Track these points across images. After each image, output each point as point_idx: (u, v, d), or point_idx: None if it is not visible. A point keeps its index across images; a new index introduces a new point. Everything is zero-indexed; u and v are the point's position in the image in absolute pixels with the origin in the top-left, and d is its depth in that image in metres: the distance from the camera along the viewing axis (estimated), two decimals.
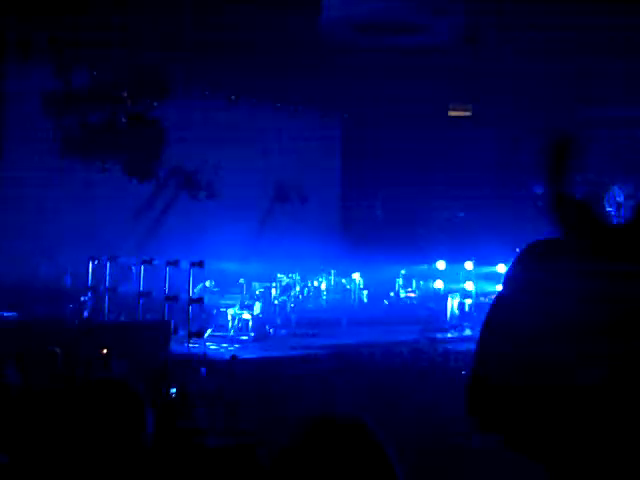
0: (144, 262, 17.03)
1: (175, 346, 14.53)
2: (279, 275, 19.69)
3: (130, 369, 12.40)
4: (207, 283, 16.51)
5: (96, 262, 17.00)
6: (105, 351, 12.95)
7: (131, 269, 17.19)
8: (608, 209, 23.89)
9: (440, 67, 19.87)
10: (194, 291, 16.03)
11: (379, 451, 2.08)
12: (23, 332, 13.00)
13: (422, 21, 18.18)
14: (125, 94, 20.26)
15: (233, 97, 21.56)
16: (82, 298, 16.76)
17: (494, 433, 1.71)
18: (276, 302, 18.60)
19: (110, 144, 19.93)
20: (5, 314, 15.83)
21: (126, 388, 2.46)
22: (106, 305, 16.44)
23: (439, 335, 18.29)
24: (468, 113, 24.02)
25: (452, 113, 24.18)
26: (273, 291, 18.79)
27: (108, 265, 16.99)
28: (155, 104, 20.56)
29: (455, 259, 21.64)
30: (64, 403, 2.44)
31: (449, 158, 22.92)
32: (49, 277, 18.45)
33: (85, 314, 16.15)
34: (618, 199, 23.81)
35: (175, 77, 19.87)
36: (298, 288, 19.92)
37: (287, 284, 19.66)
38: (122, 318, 16.38)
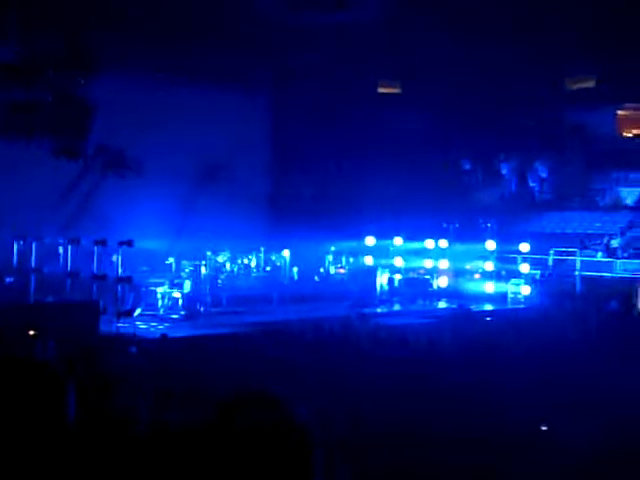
0: (71, 242, 16.79)
1: (104, 326, 14.41)
2: (208, 253, 19.60)
3: (58, 350, 12.28)
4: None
5: (21, 242, 16.70)
6: (32, 332, 12.78)
7: (57, 249, 16.91)
8: (532, 184, 24.46)
9: (369, 43, 19.94)
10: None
11: (295, 429, 2.12)
12: None
13: None
14: (51, 72, 19.83)
15: (161, 75, 21.29)
16: (7, 279, 16.46)
17: None
18: (206, 280, 18.53)
19: (36, 123, 19.52)
20: None
21: (45, 368, 2.47)
22: (32, 286, 16.18)
23: (369, 310, 18.54)
24: (397, 90, 24.16)
25: (381, 90, 24.30)
26: (203, 269, 18.71)
27: (34, 245, 16.71)
28: (82, 81, 20.17)
29: (384, 235, 21.88)
30: None
31: (379, 135, 23.11)
32: None
33: (10, 295, 15.84)
34: (541, 175, 24.39)
35: (103, 55, 19.51)
36: (228, 266, 19.87)
37: (216, 262, 19.60)
38: (49, 299, 16.13)
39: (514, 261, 21.19)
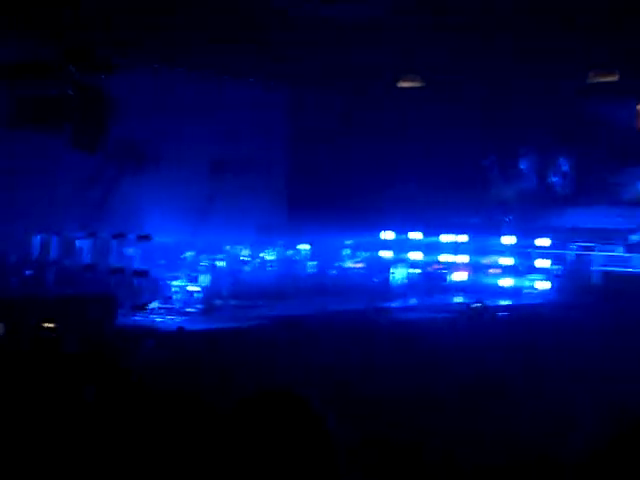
0: (90, 235, 16.93)
1: (121, 319, 14.52)
2: (227, 247, 19.70)
3: (79, 343, 12.40)
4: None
5: (40, 236, 16.85)
6: (51, 325, 12.92)
7: (75, 243, 17.06)
8: (554, 179, 24.31)
9: (388, 38, 19.85)
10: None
11: (316, 426, 2.13)
12: None
13: None
14: (72, 67, 19.95)
15: (180, 69, 21.38)
16: (26, 272, 16.62)
17: None
18: (223, 274, 18.61)
19: (56, 117, 19.65)
20: None
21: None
22: (51, 279, 16.34)
23: (385, 305, 18.54)
24: (418, 84, 24.06)
25: (402, 84, 24.21)
26: (220, 263, 18.79)
27: (53, 239, 16.87)
28: (102, 76, 20.28)
29: (402, 229, 21.87)
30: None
31: (398, 129, 23.05)
32: None
33: (28, 287, 16.01)
34: (564, 169, 24.23)
35: (122, 50, 19.60)
36: (245, 259, 19.95)
37: (234, 256, 19.68)
38: (67, 292, 16.28)
39: (533, 256, 21.11)
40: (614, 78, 21.23)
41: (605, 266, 20.59)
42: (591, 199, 23.00)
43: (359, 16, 18.06)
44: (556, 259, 21.06)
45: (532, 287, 20.18)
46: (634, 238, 21.60)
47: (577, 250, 21.24)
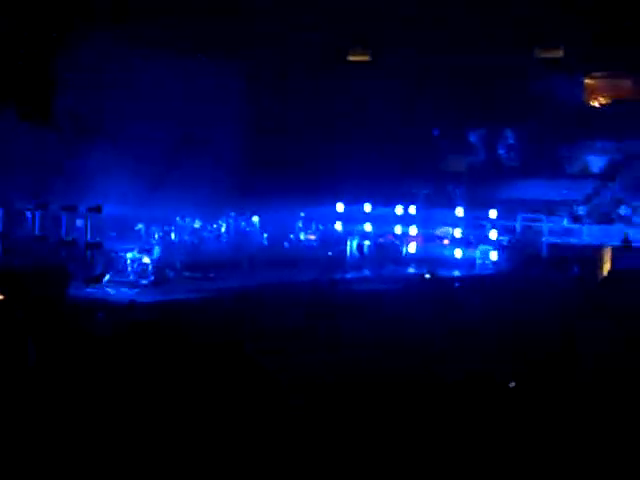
0: (39, 207, 16.70)
1: (73, 291, 14.39)
2: (177, 219, 19.59)
3: (27, 315, 12.27)
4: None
5: None
6: (1, 297, 12.75)
7: (25, 214, 16.82)
8: (500, 152, 24.66)
9: (339, 8, 19.82)
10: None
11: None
12: None
13: None
14: (20, 39, 19.54)
15: (135, 43, 21.08)
16: None
17: None
18: (175, 246, 18.54)
19: (2, 89, 19.27)
20: None
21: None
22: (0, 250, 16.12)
23: (338, 276, 18.66)
24: (367, 58, 24.08)
25: (351, 58, 24.21)
26: (172, 235, 18.69)
27: (1, 211, 16.61)
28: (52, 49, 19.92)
29: (354, 202, 21.98)
30: None
31: (349, 102, 23.09)
32: None
33: None
34: (510, 142, 24.59)
35: (75, 22, 19.26)
36: (197, 232, 19.89)
37: (186, 228, 19.61)
38: (17, 263, 16.07)
39: (483, 228, 21.41)
40: (559, 53, 21.53)
41: (552, 237, 21.01)
42: (538, 171, 23.38)
43: None
44: (503, 230, 21.41)
45: (486, 258, 20.51)
46: (580, 210, 22.08)
47: (525, 221, 21.62)
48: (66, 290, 14.19)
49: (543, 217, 21.42)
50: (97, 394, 7.97)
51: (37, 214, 16.41)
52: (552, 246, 20.78)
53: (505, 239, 21.14)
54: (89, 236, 16.11)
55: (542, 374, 9.05)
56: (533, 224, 21.52)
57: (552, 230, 21.24)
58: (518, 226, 21.66)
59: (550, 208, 21.97)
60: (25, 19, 19.16)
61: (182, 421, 6.18)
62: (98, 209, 16.29)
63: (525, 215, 21.68)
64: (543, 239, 21.08)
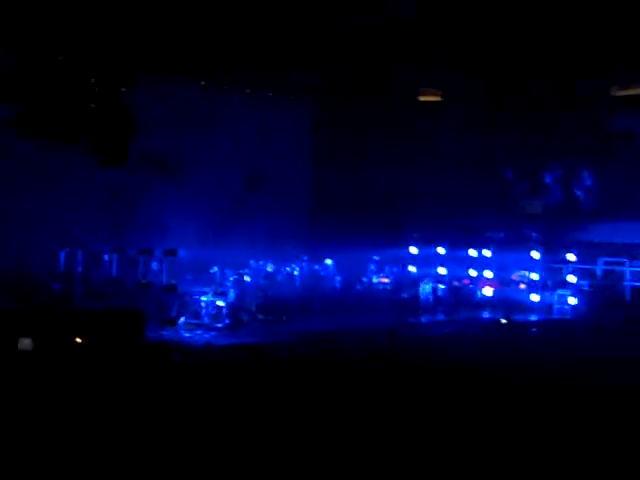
0: (116, 250, 16.87)
1: (149, 334, 14.41)
2: (252, 262, 19.61)
3: (104, 357, 12.31)
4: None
5: (67, 250, 16.80)
6: (79, 340, 12.82)
7: (102, 257, 17.01)
8: (578, 193, 24.14)
9: (409, 51, 19.78)
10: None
11: None
12: None
13: None
14: (93, 80, 19.93)
15: (203, 83, 21.36)
16: (54, 286, 16.56)
17: None
18: (250, 289, 18.50)
19: (80, 131, 19.62)
20: None
21: None
22: (78, 293, 16.27)
23: (413, 320, 18.38)
24: (438, 98, 23.98)
25: (422, 98, 24.14)
26: (246, 278, 18.69)
27: (79, 253, 16.82)
28: (124, 89, 20.27)
29: (428, 244, 21.73)
30: None
31: (421, 144, 22.98)
32: (17, 267, 18.14)
33: (56, 301, 15.93)
34: (587, 183, 24.08)
35: (145, 63, 19.60)
36: (271, 274, 19.87)
37: (260, 271, 19.60)
38: (94, 306, 16.20)
39: (560, 271, 20.90)
40: (638, 91, 21.09)
41: (635, 282, 20.36)
42: (617, 213, 22.78)
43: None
44: (582, 274, 20.83)
45: (565, 302, 19.95)
46: None
47: (606, 265, 21.01)
48: (143, 332, 14.21)
49: (626, 261, 20.77)
50: (176, 434, 7.87)
51: (114, 257, 16.56)
52: (636, 290, 20.13)
53: (585, 283, 20.54)
54: (165, 278, 16.18)
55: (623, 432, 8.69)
56: (616, 268, 20.90)
57: (635, 273, 20.56)
58: (598, 270, 21.06)
59: (632, 252, 21.30)
60: (101, 61, 19.58)
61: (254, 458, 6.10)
62: (173, 252, 16.38)
63: (607, 259, 21.07)
64: (625, 283, 20.43)
